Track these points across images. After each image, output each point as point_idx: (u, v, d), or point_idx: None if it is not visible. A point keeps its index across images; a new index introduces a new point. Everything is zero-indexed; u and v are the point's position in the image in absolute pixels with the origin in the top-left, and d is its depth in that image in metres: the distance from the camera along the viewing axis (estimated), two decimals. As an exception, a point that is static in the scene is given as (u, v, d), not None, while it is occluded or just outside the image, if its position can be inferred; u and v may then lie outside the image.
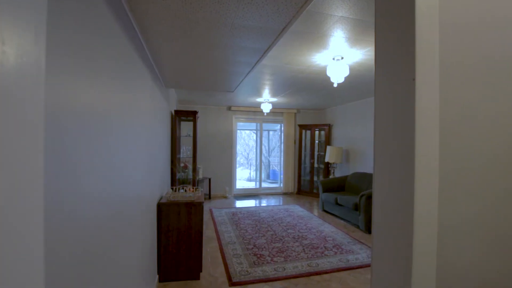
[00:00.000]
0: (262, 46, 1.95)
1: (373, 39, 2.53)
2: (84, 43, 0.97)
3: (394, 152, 0.75)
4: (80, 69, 0.95)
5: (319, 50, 2.78)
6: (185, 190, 3.43)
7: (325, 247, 3.68)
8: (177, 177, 4.10)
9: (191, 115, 4.54)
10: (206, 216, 5.15)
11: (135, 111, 1.80)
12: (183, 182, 3.78)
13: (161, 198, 2.88)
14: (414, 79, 0.67)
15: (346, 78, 3.66)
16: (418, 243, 0.68)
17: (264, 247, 3.64)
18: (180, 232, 2.71)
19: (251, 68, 2.42)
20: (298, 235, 4.12)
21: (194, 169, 4.56)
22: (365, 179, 5.20)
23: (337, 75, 2.92)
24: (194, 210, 2.73)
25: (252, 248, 3.61)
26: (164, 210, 2.69)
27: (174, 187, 3.47)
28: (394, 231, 0.76)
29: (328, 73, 3.02)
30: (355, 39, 2.51)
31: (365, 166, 5.70)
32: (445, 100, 0.72)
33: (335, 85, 3.00)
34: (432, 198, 0.69)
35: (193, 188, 3.46)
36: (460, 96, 0.75)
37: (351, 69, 3.26)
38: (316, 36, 2.45)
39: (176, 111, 4.44)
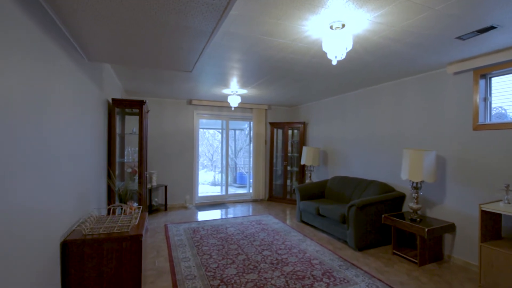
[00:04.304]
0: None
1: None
2: None
3: None
4: None
5: (315, 11, 1.95)
6: (124, 211, 2.39)
7: (312, 275, 2.88)
8: (116, 190, 2.99)
9: (137, 106, 3.44)
10: (159, 236, 4.06)
11: None
12: (122, 198, 2.70)
13: (71, 232, 1.80)
14: None
15: (340, 61, 2.91)
16: None
17: (235, 282, 2.72)
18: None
19: (217, 21, 1.49)
20: (276, 259, 3.27)
21: (140, 177, 3.47)
22: (348, 184, 4.54)
23: (337, 49, 2.12)
24: (127, 249, 1.72)
25: (219, 285, 2.67)
26: (74, 252, 1.63)
27: (110, 207, 2.43)
28: None
29: (325, 47, 2.21)
30: (370, -9, 1.71)
31: (346, 169, 5.07)
32: None
33: (334, 62, 2.20)
34: None
35: (132, 207, 2.42)
36: None
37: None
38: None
39: (115, 101, 3.31)
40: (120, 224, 1.81)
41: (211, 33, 1.60)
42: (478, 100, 3.08)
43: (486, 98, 3.11)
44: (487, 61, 2.87)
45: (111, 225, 1.80)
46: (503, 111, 3.13)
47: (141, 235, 1.72)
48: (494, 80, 3.08)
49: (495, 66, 2.91)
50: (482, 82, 3.09)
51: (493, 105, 3.11)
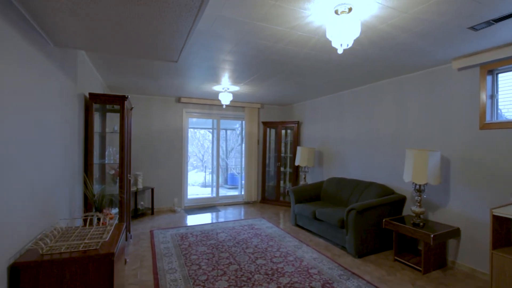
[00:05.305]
0: None
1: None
2: None
3: None
4: None
5: (319, -9, 1.70)
6: (98, 220, 2.09)
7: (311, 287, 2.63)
8: (91, 196, 2.65)
9: (118, 102, 3.11)
10: (143, 244, 3.74)
11: None
12: (97, 206, 2.38)
13: (25, 251, 1.47)
14: None
15: (341, 55, 2.66)
16: None
17: (226, 298, 2.44)
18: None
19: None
20: (272, 268, 3.01)
21: (122, 179, 3.15)
22: (345, 186, 4.33)
23: (343, 36, 1.87)
24: (95, 272, 1.41)
25: (208, 301, 2.39)
26: (26, 279, 1.32)
27: (83, 216, 2.12)
28: None
29: (329, 34, 1.96)
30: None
31: (343, 170, 4.86)
32: None
33: (340, 51, 1.96)
34: None
35: (110, 215, 2.11)
36: None
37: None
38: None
39: (92, 96, 2.97)
40: (87, 241, 1.50)
41: (198, 8, 1.32)
42: (485, 97, 2.90)
43: (493, 96, 2.93)
44: (496, 55, 2.68)
45: (76, 242, 1.49)
46: (498, 111, 2.96)
47: (112, 253, 1.42)
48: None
49: (504, 61, 2.74)
50: (489, 78, 2.91)
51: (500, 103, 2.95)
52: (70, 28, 1.65)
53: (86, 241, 1.49)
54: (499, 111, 2.93)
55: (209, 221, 4.89)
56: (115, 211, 3.31)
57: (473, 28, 2.23)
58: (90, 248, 1.47)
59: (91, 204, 2.68)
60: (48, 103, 1.92)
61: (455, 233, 3.03)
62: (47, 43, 1.90)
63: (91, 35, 1.76)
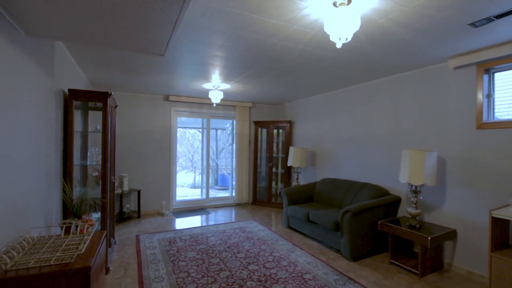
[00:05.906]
0: None
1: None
2: None
3: None
4: None
5: (318, -21, 1.57)
6: (77, 228, 1.91)
7: (307, 295, 2.51)
8: (74, 202, 2.44)
9: (100, 99, 2.90)
10: (128, 250, 3.53)
11: None
12: (76, 211, 2.19)
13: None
14: None
15: (337, 52, 2.56)
16: None
17: (217, 308, 2.29)
18: None
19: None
20: (265, 274, 2.87)
21: (104, 182, 2.94)
22: (339, 187, 4.24)
23: (342, 30, 1.76)
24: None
25: (198, 313, 2.23)
26: (-16, 298, 1.14)
27: (63, 223, 1.94)
28: None
29: (326, 28, 1.84)
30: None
31: (336, 170, 4.77)
32: None
33: (338, 45, 1.84)
34: None
35: (88, 220, 1.93)
36: None
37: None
38: None
39: (72, 92, 2.76)
40: (59, 254, 1.32)
41: (186, -8, 1.17)
42: (481, 97, 2.86)
43: (490, 95, 2.89)
44: (493, 53, 2.63)
45: (47, 255, 1.30)
46: (494, 111, 2.93)
47: (88, 267, 1.25)
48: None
49: (500, 59, 2.69)
50: (485, 77, 2.87)
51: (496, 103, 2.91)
52: (41, 13, 1.47)
53: (58, 254, 1.31)
54: (495, 110, 2.89)
55: (199, 224, 4.71)
56: (98, 215, 3.10)
57: (473, 24, 2.16)
58: (64, 261, 1.29)
59: (70, 210, 2.48)
60: (18, 99, 1.72)
61: (452, 235, 2.97)
62: (16, 31, 1.70)
63: (66, 22, 1.57)
